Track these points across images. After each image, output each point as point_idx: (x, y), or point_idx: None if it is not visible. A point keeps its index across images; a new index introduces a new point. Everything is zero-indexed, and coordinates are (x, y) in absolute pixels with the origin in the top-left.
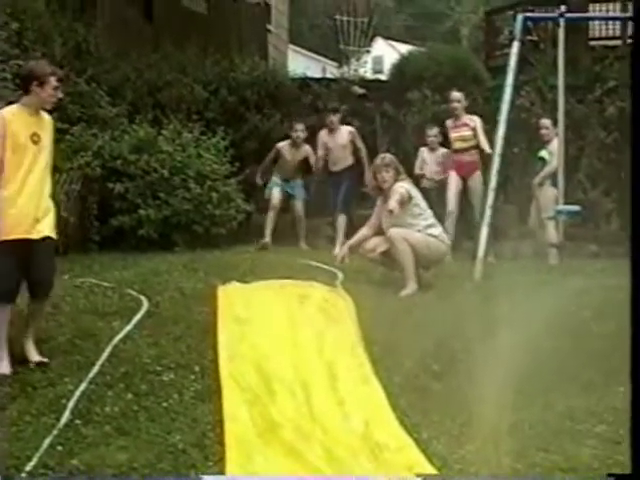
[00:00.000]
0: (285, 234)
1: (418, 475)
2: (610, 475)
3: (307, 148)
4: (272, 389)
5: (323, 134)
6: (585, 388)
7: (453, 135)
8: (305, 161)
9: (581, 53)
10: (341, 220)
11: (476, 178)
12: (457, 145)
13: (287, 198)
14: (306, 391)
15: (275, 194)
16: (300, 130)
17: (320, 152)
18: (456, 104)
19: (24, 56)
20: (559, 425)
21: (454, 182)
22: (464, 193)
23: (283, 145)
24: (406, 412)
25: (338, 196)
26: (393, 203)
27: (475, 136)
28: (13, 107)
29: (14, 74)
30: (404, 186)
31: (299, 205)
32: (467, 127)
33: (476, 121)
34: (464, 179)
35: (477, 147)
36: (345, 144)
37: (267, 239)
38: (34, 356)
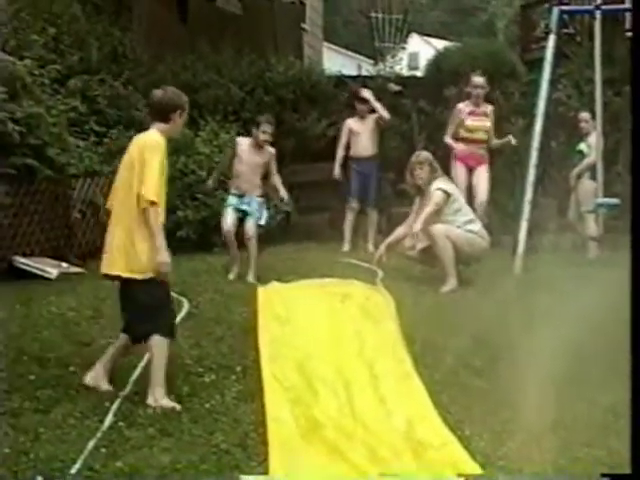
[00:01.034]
0: (324, 233)
1: (460, 475)
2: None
3: (271, 151)
4: (314, 389)
5: (351, 121)
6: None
7: (473, 123)
8: (265, 168)
9: (618, 45)
10: (373, 216)
11: (485, 170)
12: (476, 135)
13: (243, 218)
14: (348, 390)
15: (227, 218)
16: (268, 132)
17: (343, 139)
18: (480, 90)
19: (61, 61)
20: (603, 420)
21: (463, 176)
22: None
23: (243, 142)
24: (448, 409)
25: (368, 191)
26: (419, 225)
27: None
28: (158, 135)
29: (52, 79)
30: (441, 187)
31: (250, 224)
32: (487, 118)
33: (491, 111)
34: (470, 171)
35: (487, 140)
36: (373, 130)
37: (231, 275)
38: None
